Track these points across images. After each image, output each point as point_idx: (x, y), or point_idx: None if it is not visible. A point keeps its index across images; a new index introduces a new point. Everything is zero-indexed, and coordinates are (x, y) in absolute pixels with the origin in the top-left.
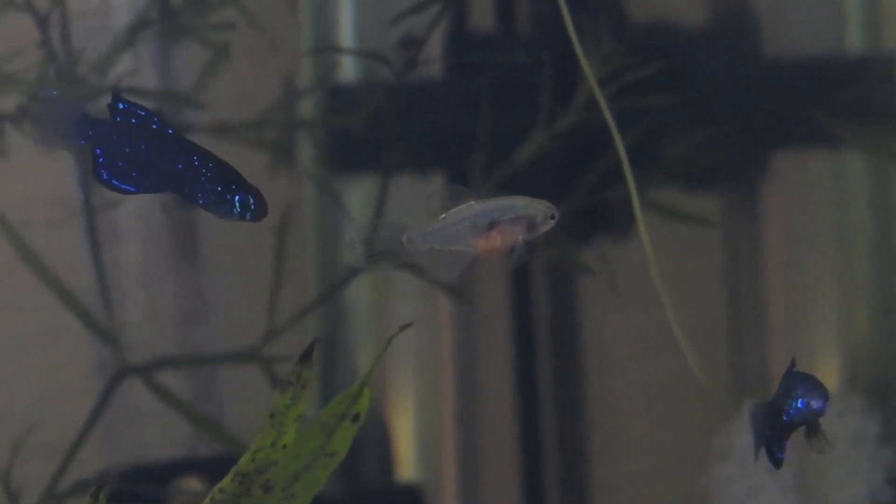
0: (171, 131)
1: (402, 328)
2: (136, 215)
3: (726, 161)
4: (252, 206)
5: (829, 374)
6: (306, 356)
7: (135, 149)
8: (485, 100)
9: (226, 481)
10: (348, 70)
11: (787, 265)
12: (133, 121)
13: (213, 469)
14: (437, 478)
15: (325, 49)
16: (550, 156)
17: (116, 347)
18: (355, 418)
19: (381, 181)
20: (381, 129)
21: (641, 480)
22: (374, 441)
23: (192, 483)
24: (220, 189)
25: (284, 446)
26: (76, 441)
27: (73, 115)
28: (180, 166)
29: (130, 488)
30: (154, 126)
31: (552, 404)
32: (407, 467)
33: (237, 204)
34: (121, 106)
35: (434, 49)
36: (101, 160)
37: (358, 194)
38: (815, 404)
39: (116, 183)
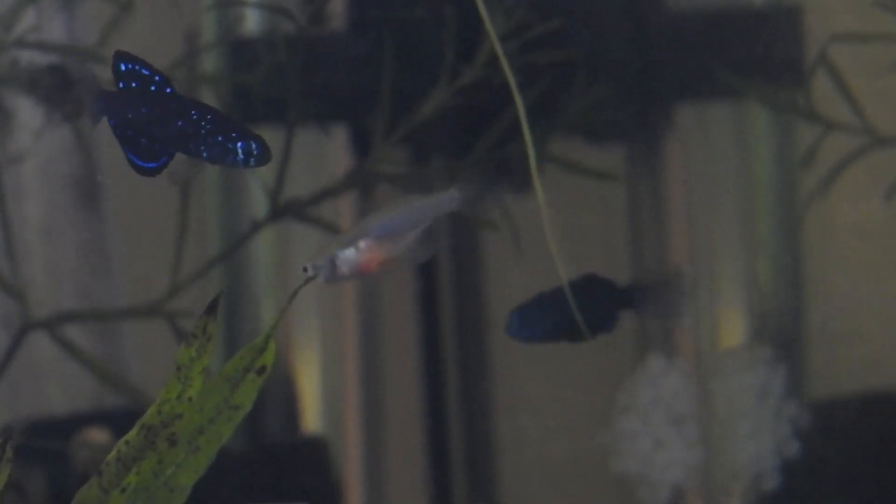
0: (169, 90)
1: (306, 281)
2: (39, 169)
3: (628, 115)
4: (255, 152)
5: (734, 327)
6: (211, 309)
7: (137, 114)
8: (387, 55)
9: (131, 434)
10: (251, 24)
11: (689, 219)
12: (135, 84)
13: (118, 422)
14: (342, 431)
15: (228, 2)
16: (453, 111)
17: (21, 302)
18: (260, 371)
19: (285, 137)
20: (283, 84)
21: (545, 436)
22: (278, 394)
23: (98, 435)
24: (220, 139)
25: (190, 399)
26: None
27: (92, 95)
28: (181, 123)
29: (35, 442)
30: (153, 87)
31: (456, 359)
32: (311, 421)
33: (240, 151)
34: (122, 67)
35: (337, 4)
36: (117, 133)
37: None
38: None
39: (135, 159)
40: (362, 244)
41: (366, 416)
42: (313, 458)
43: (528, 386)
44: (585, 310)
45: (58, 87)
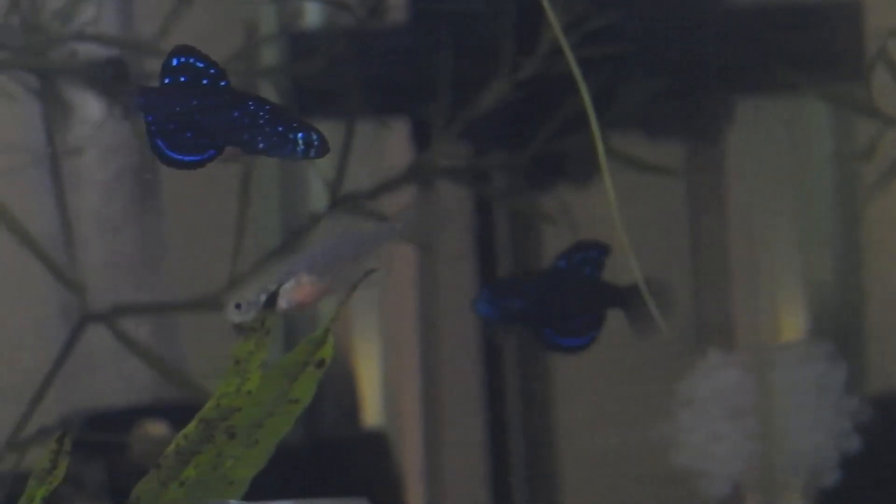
0: (224, 83)
1: (366, 274)
2: (98, 162)
3: (687, 109)
4: (315, 143)
5: (793, 321)
6: (270, 303)
7: (187, 107)
8: (447, 47)
9: (190, 428)
10: (311, 16)
11: (749, 213)
12: (183, 78)
13: (176, 415)
14: (401, 425)
15: None
16: (512, 103)
17: (79, 294)
18: (320, 364)
19: (345, 130)
20: (342, 76)
21: (604, 426)
22: (337, 388)
23: (156, 429)
24: (281, 129)
25: (248, 393)
26: (41, 387)
27: (127, 91)
28: (236, 114)
29: (94, 435)
30: (206, 80)
31: (516, 350)
32: (371, 414)
33: (301, 142)
34: (174, 62)
35: None
36: (153, 128)
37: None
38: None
39: (172, 154)
40: (303, 277)
41: (425, 409)
42: (372, 451)
43: (587, 378)
44: (571, 305)
45: (116, 80)
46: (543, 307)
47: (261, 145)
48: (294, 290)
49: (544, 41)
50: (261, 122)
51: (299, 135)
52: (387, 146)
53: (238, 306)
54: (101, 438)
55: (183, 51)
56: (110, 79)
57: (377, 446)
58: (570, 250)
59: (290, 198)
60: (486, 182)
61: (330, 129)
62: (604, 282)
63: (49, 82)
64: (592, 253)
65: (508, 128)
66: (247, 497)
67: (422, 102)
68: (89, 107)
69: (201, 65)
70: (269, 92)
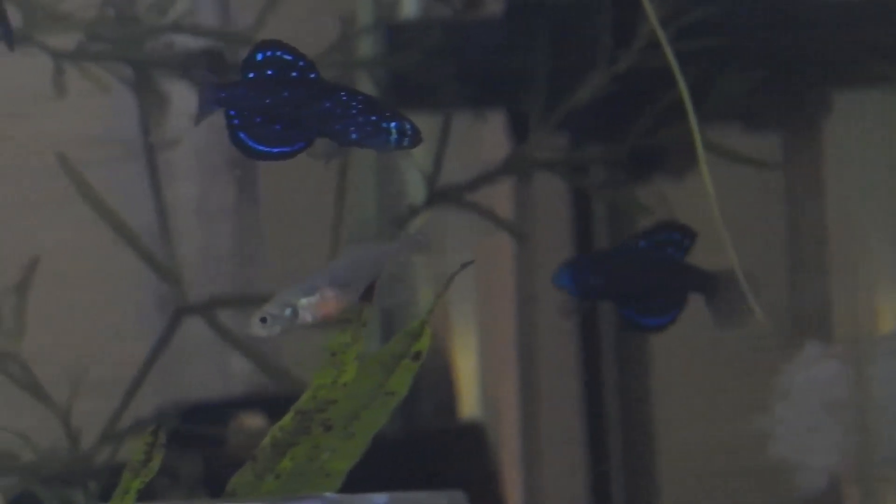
0: (313, 75)
1: (463, 266)
2: (194, 153)
3: (785, 101)
4: (409, 132)
5: (891, 312)
6: (366, 295)
7: (277, 100)
8: (544, 39)
9: (286, 420)
10: (407, 8)
11: (846, 205)
12: (270, 72)
13: (272, 407)
14: (498, 416)
15: None
16: (610, 96)
17: (176, 286)
18: (416, 357)
19: (442, 121)
20: (439, 68)
21: (701, 418)
22: (434, 380)
23: (252, 421)
24: (374, 119)
25: (344, 385)
26: (136, 379)
27: (202, 86)
28: (328, 105)
29: (190, 427)
30: (295, 73)
31: (613, 341)
32: (469, 406)
33: (394, 131)
34: (259, 57)
35: None
36: (236, 122)
37: None
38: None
39: (259, 146)
40: (326, 291)
41: (523, 401)
42: (470, 443)
43: (685, 370)
44: (652, 284)
45: (212, 72)
46: (623, 285)
47: (353, 136)
48: (318, 304)
49: (641, 34)
50: (353, 112)
51: (392, 124)
52: (484, 138)
53: (263, 320)
54: (198, 431)
55: (269, 45)
56: (206, 70)
57: (474, 438)
58: (652, 230)
59: (387, 190)
60: (583, 174)
61: (427, 122)
62: (686, 264)
63: (145, 74)
64: (675, 235)
65: (606, 120)
66: (343, 489)
67: (519, 95)
68: (185, 99)
69: (289, 57)
70: (365, 84)
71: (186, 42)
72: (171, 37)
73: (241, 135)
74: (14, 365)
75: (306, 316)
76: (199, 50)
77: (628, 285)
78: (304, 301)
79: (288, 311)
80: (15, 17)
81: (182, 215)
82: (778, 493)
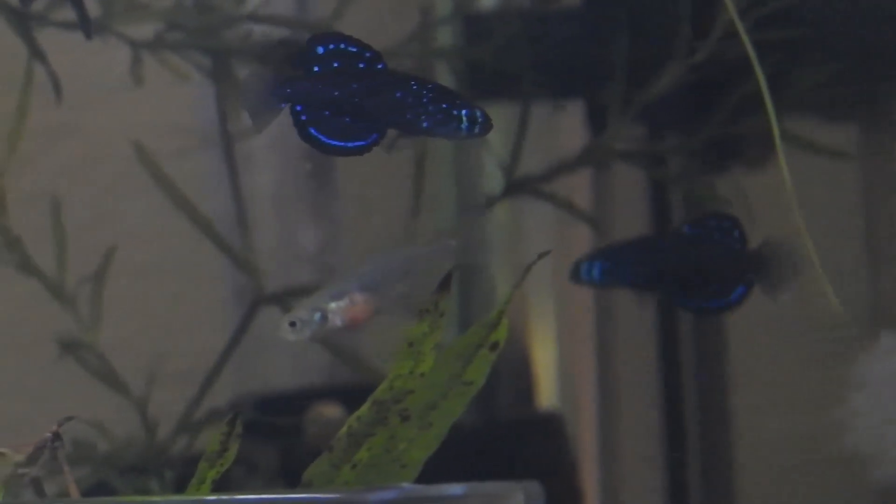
0: (381, 66)
1: (540, 256)
2: (271, 142)
3: (863, 92)
4: (479, 120)
5: None
6: (444, 285)
7: (345, 92)
8: (622, 29)
9: (363, 410)
10: None
11: None
12: (336, 64)
13: (349, 397)
14: (576, 407)
15: None
16: (688, 86)
17: (253, 276)
18: (493, 347)
19: (520, 112)
20: (518, 58)
21: (780, 409)
22: (513, 369)
23: (329, 411)
24: (445, 107)
25: (422, 375)
26: (214, 369)
27: (263, 84)
28: (399, 95)
29: (266, 417)
30: (362, 64)
31: (692, 331)
32: (545, 396)
33: (465, 118)
34: (320, 50)
35: None
36: (304, 117)
37: (495, 123)
38: None
39: (331, 141)
40: (355, 296)
41: (600, 391)
42: (547, 434)
43: (762, 362)
44: (698, 271)
45: (291, 61)
46: (667, 272)
47: (425, 124)
48: (347, 309)
49: (720, 24)
50: (424, 100)
51: (463, 112)
52: (562, 129)
53: (292, 324)
54: (274, 421)
55: (329, 38)
56: (283, 60)
57: (552, 428)
58: (699, 218)
59: (465, 180)
60: (661, 165)
61: (505, 112)
62: (732, 247)
63: (223, 63)
64: (726, 222)
65: (684, 111)
66: (419, 480)
67: (597, 85)
68: None
69: (354, 49)
70: (443, 74)
71: (265, 31)
72: (249, 26)
73: (312, 130)
74: (91, 355)
75: (335, 320)
76: (278, 39)
77: (671, 272)
78: (333, 305)
79: (317, 316)
80: (92, 7)
81: (260, 205)
82: (854, 484)
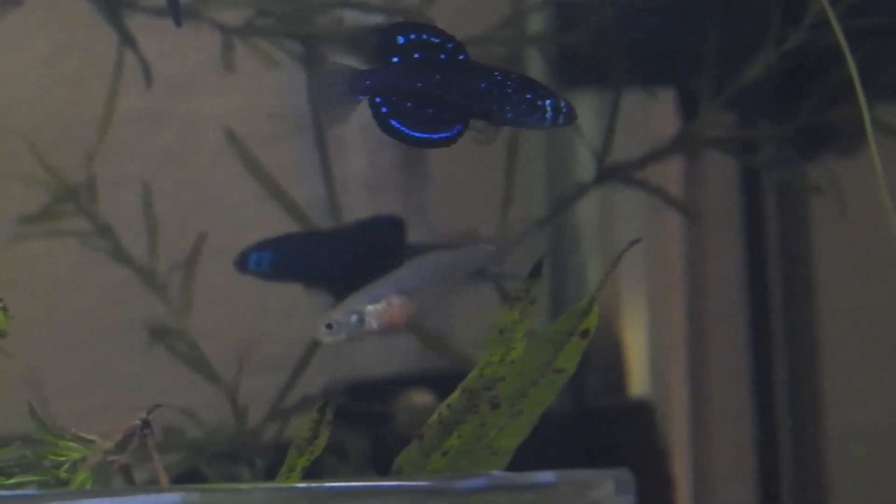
0: (463, 56)
1: (632, 244)
2: (363, 128)
3: None
4: (564, 110)
5: None
6: (535, 272)
7: (429, 83)
8: (714, 17)
9: (453, 397)
10: None
11: None
12: (417, 55)
13: (440, 385)
14: (667, 394)
15: None
16: (779, 74)
17: None
18: (584, 334)
19: (613, 98)
20: (609, 45)
21: (871, 398)
22: (604, 357)
23: (420, 398)
24: (529, 97)
25: (512, 362)
26: (305, 356)
27: (340, 76)
28: (484, 85)
29: (357, 404)
30: (444, 55)
31: (783, 319)
32: (638, 383)
33: (549, 108)
34: (401, 41)
35: None
36: (384, 109)
37: (587, 110)
38: None
39: (415, 133)
40: (393, 299)
41: (692, 379)
42: (638, 421)
43: (854, 350)
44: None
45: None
46: (313, 265)
47: (509, 115)
48: (384, 312)
49: (811, 12)
50: (509, 91)
51: (548, 102)
52: (654, 116)
53: (329, 326)
54: (365, 408)
55: (409, 28)
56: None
57: (643, 416)
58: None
59: (556, 168)
60: (753, 152)
61: (596, 99)
62: (393, 246)
63: (314, 49)
64: (390, 222)
65: (775, 98)
66: (510, 467)
67: (689, 72)
68: None
69: (437, 40)
70: (535, 61)
71: (356, 18)
72: (340, 12)
73: (394, 122)
74: (182, 342)
75: (372, 323)
76: (370, 26)
77: (329, 266)
78: (370, 308)
79: (354, 318)
80: None
81: (351, 191)
82: None
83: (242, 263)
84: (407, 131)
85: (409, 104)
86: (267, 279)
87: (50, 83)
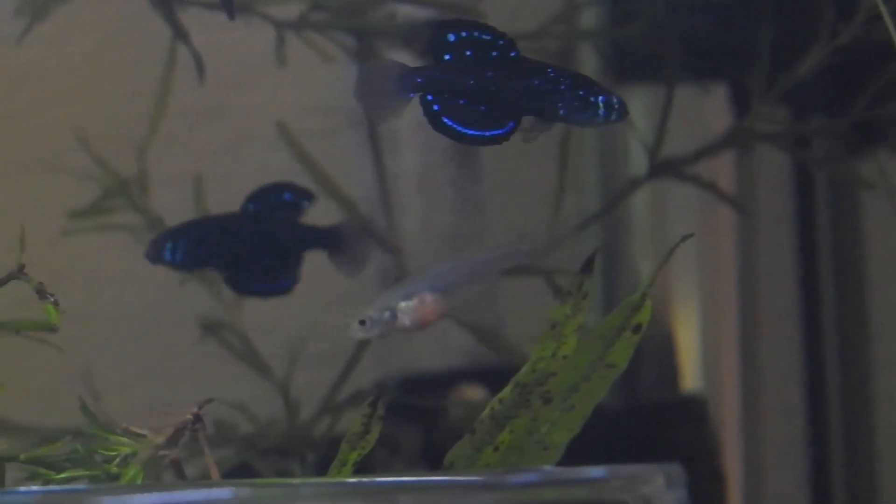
0: (514, 53)
1: (683, 239)
2: (415, 124)
3: None
4: (616, 106)
5: None
6: (587, 267)
7: (481, 80)
8: (767, 12)
9: (505, 392)
10: None
11: None
12: (469, 52)
13: (493, 379)
14: (720, 388)
15: None
16: (832, 69)
17: (396, 257)
18: (636, 329)
19: (665, 93)
20: (662, 40)
21: None
22: (656, 352)
23: (472, 393)
24: (582, 93)
25: (564, 357)
26: (356, 351)
27: (391, 73)
28: (537, 82)
29: (410, 398)
30: (495, 52)
31: (835, 315)
32: (690, 378)
33: (601, 105)
34: (451, 38)
35: None
36: (436, 107)
37: (640, 105)
38: None
39: (468, 130)
40: (426, 296)
41: (744, 374)
42: (691, 416)
43: None
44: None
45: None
46: (227, 250)
47: (562, 111)
48: (416, 309)
49: (864, 7)
50: (562, 87)
51: (600, 98)
52: (706, 111)
53: (362, 322)
54: (417, 402)
55: (460, 25)
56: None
57: (695, 411)
58: (261, 192)
59: (609, 162)
60: (805, 148)
61: (649, 94)
62: (301, 225)
63: (367, 44)
64: (287, 195)
65: (828, 93)
66: (561, 462)
67: (742, 67)
68: None
69: (488, 37)
70: (588, 56)
71: (409, 12)
72: (393, 6)
73: (446, 119)
74: (233, 336)
75: (405, 320)
76: (422, 20)
77: (232, 251)
78: (403, 305)
79: (387, 315)
80: None
81: (403, 186)
82: None
83: (156, 254)
84: (459, 128)
85: (460, 101)
86: (180, 269)
87: (99, 77)
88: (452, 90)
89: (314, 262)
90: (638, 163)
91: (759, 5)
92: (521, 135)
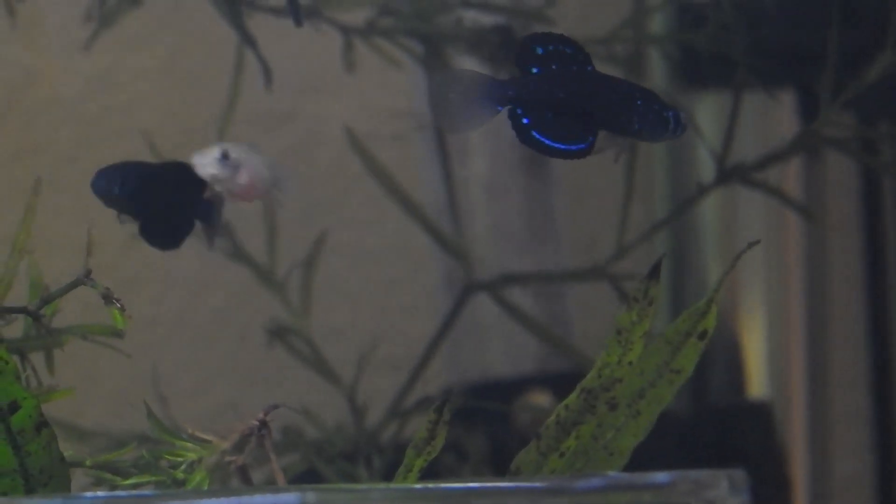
0: (590, 67)
1: (751, 245)
2: (486, 129)
3: None
4: (682, 121)
5: None
6: (654, 273)
7: (569, 94)
8: (835, 17)
9: (571, 398)
10: None
11: None
12: (555, 66)
13: (559, 385)
14: (787, 395)
15: None
16: None
17: (465, 262)
18: (702, 335)
19: (733, 100)
20: (730, 45)
21: None
22: (722, 358)
23: (539, 398)
24: (657, 108)
25: (630, 363)
26: (424, 356)
27: (479, 85)
28: (616, 97)
29: (477, 404)
30: (575, 66)
31: None
32: (756, 384)
33: (671, 119)
34: (539, 51)
35: None
36: (526, 120)
37: (708, 111)
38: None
39: (557, 144)
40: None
41: (810, 380)
42: (757, 422)
43: None
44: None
45: (502, 48)
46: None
47: (637, 126)
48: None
49: None
50: (638, 102)
51: (670, 113)
52: (774, 117)
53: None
54: (486, 408)
55: (547, 39)
56: (496, 46)
57: (762, 417)
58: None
59: (678, 168)
60: (873, 153)
61: (717, 100)
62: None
63: (435, 49)
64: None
65: (895, 99)
66: (627, 468)
67: (809, 73)
68: None
69: (570, 50)
70: (656, 61)
71: (477, 18)
72: (461, 11)
73: (536, 133)
74: (301, 342)
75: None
76: (491, 26)
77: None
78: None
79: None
80: None
81: (472, 191)
82: None
83: (104, 187)
84: (548, 142)
85: (548, 115)
86: (119, 206)
87: (169, 83)
88: (542, 104)
89: (381, 273)
90: (706, 168)
91: (827, 11)
92: (613, 154)
